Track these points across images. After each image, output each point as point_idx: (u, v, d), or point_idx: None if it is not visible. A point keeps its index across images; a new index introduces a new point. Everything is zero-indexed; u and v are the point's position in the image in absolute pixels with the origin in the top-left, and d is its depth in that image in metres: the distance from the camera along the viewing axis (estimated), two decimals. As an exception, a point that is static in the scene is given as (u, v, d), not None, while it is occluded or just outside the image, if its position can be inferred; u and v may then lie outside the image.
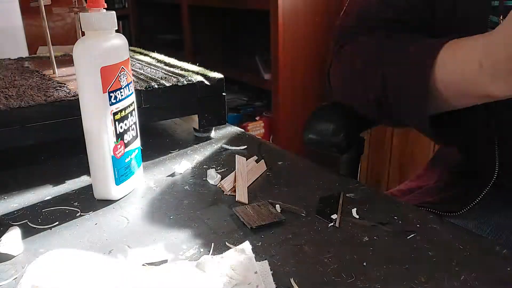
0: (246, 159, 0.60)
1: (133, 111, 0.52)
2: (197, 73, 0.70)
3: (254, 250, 0.41)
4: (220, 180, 0.55)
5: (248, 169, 0.57)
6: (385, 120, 0.63)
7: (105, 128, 0.47)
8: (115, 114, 0.48)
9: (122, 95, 0.48)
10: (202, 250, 0.42)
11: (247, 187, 0.54)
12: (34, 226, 0.47)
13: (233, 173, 0.57)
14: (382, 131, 1.74)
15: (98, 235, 0.45)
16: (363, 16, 0.63)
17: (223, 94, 0.70)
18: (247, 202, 0.51)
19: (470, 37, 0.48)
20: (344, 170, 0.78)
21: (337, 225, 0.46)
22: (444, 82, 0.49)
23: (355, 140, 0.75)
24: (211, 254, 0.41)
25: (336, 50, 0.66)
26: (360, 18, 0.64)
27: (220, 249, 0.42)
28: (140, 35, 2.74)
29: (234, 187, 0.53)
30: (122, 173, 0.50)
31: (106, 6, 0.47)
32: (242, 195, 0.51)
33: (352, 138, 0.72)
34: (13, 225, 0.47)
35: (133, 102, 0.51)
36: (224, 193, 0.53)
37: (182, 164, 0.60)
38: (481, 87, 0.46)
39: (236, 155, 0.61)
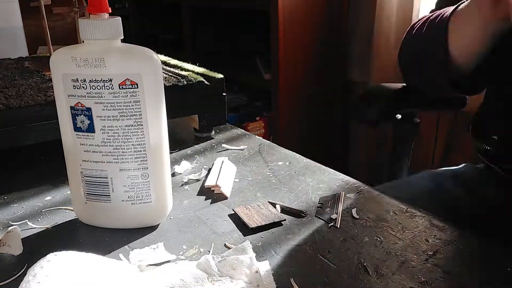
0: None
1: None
2: (197, 73, 0.70)
3: (254, 250, 0.41)
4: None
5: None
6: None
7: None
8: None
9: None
10: (202, 250, 0.42)
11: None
12: (34, 226, 0.47)
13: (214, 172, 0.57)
14: (382, 131, 1.74)
15: (98, 235, 0.45)
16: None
17: (223, 94, 0.70)
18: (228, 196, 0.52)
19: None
20: (398, 152, 0.86)
21: (337, 225, 0.46)
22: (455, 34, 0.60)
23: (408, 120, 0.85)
24: (211, 254, 0.41)
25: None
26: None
27: (220, 249, 0.42)
28: (140, 35, 2.74)
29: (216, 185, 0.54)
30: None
31: (110, 11, 0.42)
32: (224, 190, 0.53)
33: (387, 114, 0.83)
34: (13, 225, 0.47)
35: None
36: (211, 189, 0.53)
37: (182, 164, 0.60)
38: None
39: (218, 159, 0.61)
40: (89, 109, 0.43)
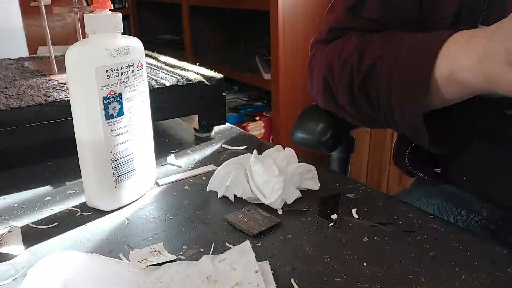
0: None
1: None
2: (197, 73, 0.70)
3: (254, 250, 0.41)
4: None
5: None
6: (354, 115, 0.62)
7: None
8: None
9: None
10: (202, 250, 0.42)
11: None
12: (34, 226, 0.47)
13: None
14: (383, 133, 1.74)
15: (98, 235, 0.45)
16: (351, 13, 0.62)
17: (223, 94, 0.70)
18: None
19: (473, 30, 0.47)
20: (335, 169, 0.78)
21: (337, 225, 0.46)
22: (443, 73, 0.48)
23: (344, 138, 0.76)
24: (211, 254, 0.41)
25: (320, 46, 0.66)
26: (347, 16, 0.63)
27: (220, 249, 0.42)
28: (140, 35, 2.74)
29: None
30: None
31: (112, 7, 0.47)
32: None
33: (340, 136, 0.73)
34: (13, 225, 0.47)
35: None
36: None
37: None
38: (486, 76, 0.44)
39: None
40: (119, 95, 0.47)
